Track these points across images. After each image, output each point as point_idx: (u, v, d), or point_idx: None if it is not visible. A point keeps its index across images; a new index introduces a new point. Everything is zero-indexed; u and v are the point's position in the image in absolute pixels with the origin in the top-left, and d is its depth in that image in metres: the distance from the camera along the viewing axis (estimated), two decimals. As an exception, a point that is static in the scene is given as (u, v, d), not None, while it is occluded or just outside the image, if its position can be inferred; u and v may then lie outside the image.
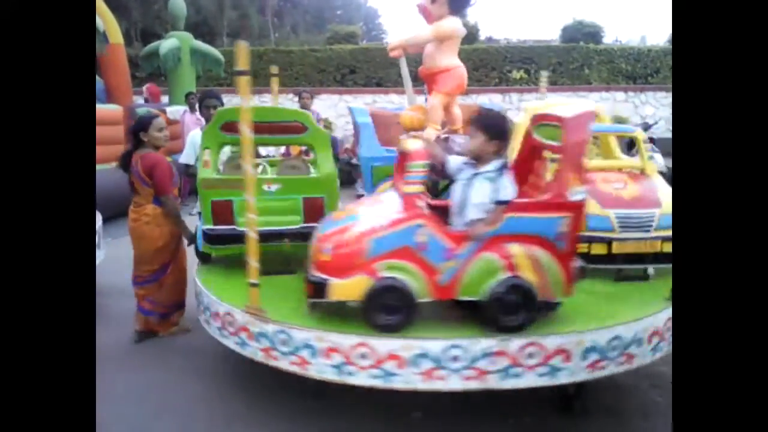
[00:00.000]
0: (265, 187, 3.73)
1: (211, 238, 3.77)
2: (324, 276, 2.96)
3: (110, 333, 4.57)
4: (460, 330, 2.97)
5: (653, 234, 3.64)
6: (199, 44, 12.89)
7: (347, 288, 2.94)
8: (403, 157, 3.30)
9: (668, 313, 3.17)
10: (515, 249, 2.90)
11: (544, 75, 5.92)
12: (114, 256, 6.02)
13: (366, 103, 15.18)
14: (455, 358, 2.86)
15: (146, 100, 13.23)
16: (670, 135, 13.99)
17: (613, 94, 15.53)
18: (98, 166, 7.27)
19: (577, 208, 2.91)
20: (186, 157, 4.63)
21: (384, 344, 2.87)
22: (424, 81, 4.19)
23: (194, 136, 4.73)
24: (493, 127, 3.02)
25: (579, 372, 2.96)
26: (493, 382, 2.90)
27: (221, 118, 3.72)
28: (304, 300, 3.19)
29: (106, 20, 11.07)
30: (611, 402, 3.55)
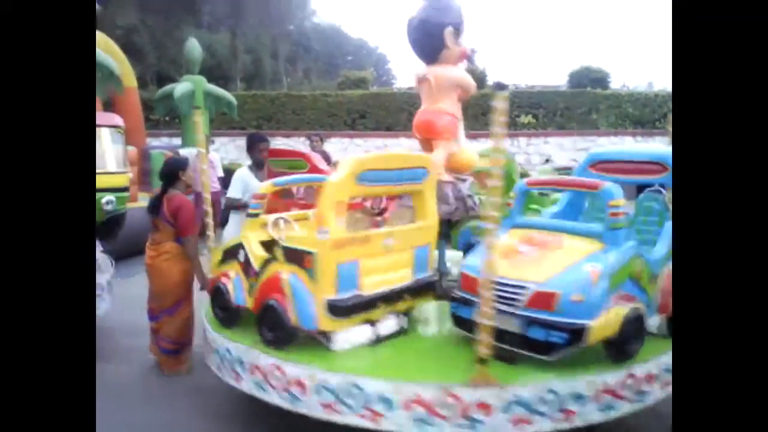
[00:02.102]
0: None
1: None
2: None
3: (117, 370, 4.56)
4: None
5: None
6: (212, 88, 13.16)
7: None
8: None
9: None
10: None
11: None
12: (124, 294, 6.03)
13: (376, 146, 15.35)
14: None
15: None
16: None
17: (622, 139, 15.64)
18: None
19: None
20: (234, 192, 4.89)
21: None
22: None
23: (242, 173, 5.03)
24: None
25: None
26: None
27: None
28: None
29: (120, 65, 11.38)
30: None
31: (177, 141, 13.74)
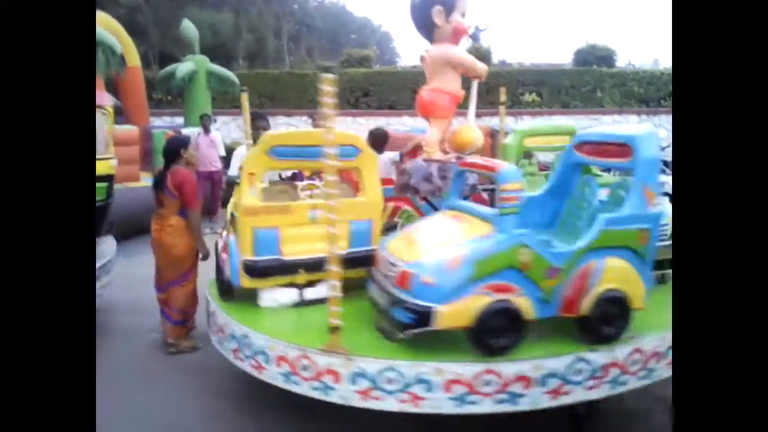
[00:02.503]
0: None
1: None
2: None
3: (121, 349, 4.62)
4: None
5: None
6: (215, 67, 13.10)
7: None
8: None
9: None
10: None
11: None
12: (127, 273, 6.09)
13: (379, 125, 15.30)
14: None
15: None
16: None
17: (626, 117, 15.52)
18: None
19: None
20: (234, 170, 4.92)
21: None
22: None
23: (241, 151, 5.08)
24: None
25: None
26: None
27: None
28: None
29: (124, 44, 11.33)
30: (622, 425, 3.51)
31: (179, 120, 13.71)
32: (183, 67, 12.30)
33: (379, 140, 4.78)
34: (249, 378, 3.36)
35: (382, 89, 16.75)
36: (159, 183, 4.57)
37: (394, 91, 16.59)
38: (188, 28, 12.92)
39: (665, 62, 26.11)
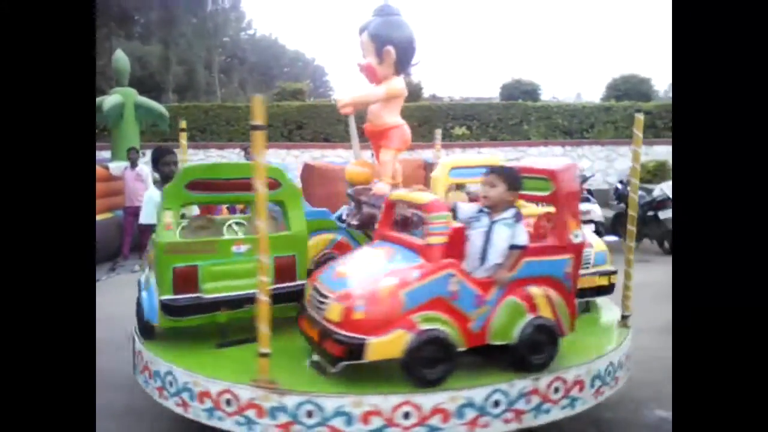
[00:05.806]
0: (234, 249, 3.52)
1: (173, 309, 3.39)
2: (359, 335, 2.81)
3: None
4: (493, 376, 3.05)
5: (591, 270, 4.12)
6: (144, 100, 12.82)
7: (386, 345, 2.81)
8: (413, 208, 3.48)
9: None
10: (534, 290, 3.10)
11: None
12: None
13: (314, 157, 15.31)
14: (496, 403, 2.94)
15: None
16: (606, 186, 14.61)
17: (551, 149, 16.18)
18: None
19: (578, 249, 3.25)
20: (147, 217, 4.46)
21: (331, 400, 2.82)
22: (369, 138, 4.35)
23: (153, 194, 4.67)
24: (513, 179, 3.23)
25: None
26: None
27: (187, 175, 3.49)
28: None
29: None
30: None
31: (105, 154, 13.28)
32: (110, 100, 11.97)
33: None
34: (176, 417, 3.24)
35: (317, 122, 16.83)
36: None
37: (329, 124, 16.70)
38: (120, 59, 12.61)
39: (587, 96, 27.47)
